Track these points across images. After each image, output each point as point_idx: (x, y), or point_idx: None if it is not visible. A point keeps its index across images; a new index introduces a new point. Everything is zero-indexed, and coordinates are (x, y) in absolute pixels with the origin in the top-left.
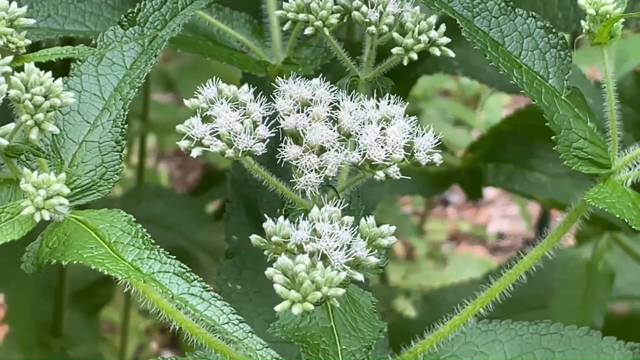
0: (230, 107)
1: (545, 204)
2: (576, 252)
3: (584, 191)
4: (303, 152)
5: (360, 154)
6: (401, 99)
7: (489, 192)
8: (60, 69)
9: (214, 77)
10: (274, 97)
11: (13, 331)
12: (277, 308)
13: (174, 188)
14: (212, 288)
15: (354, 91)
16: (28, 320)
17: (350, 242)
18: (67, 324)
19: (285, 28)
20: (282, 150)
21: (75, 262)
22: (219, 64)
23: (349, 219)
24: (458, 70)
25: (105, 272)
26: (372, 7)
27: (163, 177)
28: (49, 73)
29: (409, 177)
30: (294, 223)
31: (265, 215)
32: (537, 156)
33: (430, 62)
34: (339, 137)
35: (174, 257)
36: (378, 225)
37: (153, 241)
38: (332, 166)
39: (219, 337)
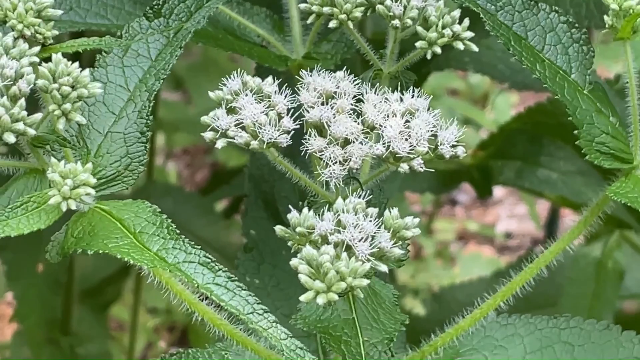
0: (255, 100)
1: (556, 201)
2: (586, 251)
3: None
4: (327, 144)
5: (384, 147)
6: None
7: (497, 192)
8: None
9: (238, 70)
10: (293, 91)
11: (22, 328)
12: (302, 298)
13: (183, 186)
14: (236, 278)
15: (377, 84)
16: (37, 317)
17: (375, 233)
18: (76, 322)
19: (309, 21)
20: (306, 142)
21: (100, 251)
22: (227, 62)
23: (374, 211)
24: (469, 66)
25: (131, 262)
26: (396, 1)
27: (171, 175)
28: (76, 64)
29: (432, 170)
30: (317, 215)
31: (290, 206)
32: (547, 154)
33: (442, 57)
34: (363, 129)
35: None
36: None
37: (178, 231)
38: (356, 158)
39: (240, 329)
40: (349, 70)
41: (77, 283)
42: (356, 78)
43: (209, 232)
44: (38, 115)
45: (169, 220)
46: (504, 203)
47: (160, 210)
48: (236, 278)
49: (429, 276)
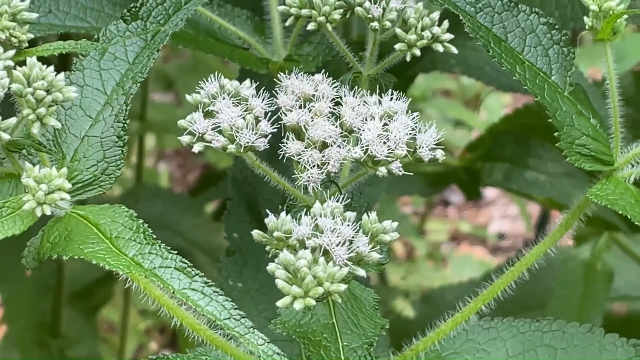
0: (232, 103)
1: (544, 203)
2: (575, 252)
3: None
4: (305, 147)
5: (362, 150)
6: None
7: (490, 193)
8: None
9: (216, 73)
10: (274, 94)
11: (11, 331)
12: (279, 303)
13: (174, 188)
14: (213, 283)
15: (356, 87)
16: (26, 320)
17: (353, 237)
18: (66, 324)
19: (287, 24)
20: (283, 146)
21: (76, 257)
22: (218, 64)
23: (351, 215)
24: (455, 68)
25: (107, 268)
26: (375, 3)
27: (163, 176)
28: (51, 67)
29: (411, 174)
30: (295, 219)
31: (267, 210)
32: (535, 155)
33: (427, 60)
34: (341, 132)
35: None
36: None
37: (154, 236)
38: (334, 162)
39: (220, 334)
40: (332, 73)
41: (66, 285)
42: (335, 80)
43: (198, 234)
44: (12, 120)
45: (145, 225)
46: (496, 204)
47: (137, 215)
48: (213, 283)
49: (420, 277)
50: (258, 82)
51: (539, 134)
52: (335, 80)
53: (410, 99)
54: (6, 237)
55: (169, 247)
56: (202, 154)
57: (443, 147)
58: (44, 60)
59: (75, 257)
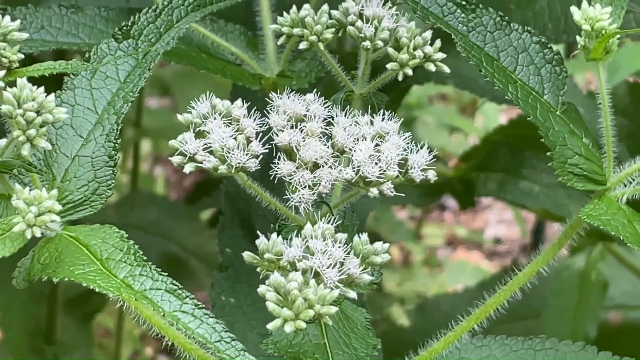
0: (224, 122)
1: (538, 213)
2: (569, 262)
3: (577, 202)
4: (297, 168)
5: (354, 171)
6: (393, 108)
7: (486, 198)
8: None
9: (207, 92)
10: (267, 111)
11: (6, 338)
12: (270, 326)
13: (170, 192)
14: (204, 305)
15: (348, 106)
16: (21, 326)
17: (344, 259)
18: (61, 331)
19: (279, 42)
20: (275, 167)
21: (66, 279)
22: None
23: (342, 236)
24: (449, 81)
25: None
26: (367, 22)
27: (159, 181)
28: (42, 88)
29: (403, 195)
30: (287, 239)
31: (259, 232)
32: (529, 166)
33: (421, 72)
34: (332, 153)
35: (166, 272)
36: (372, 241)
37: (145, 258)
38: (325, 182)
39: (211, 353)
40: (325, 88)
41: (61, 292)
42: (327, 100)
43: (193, 241)
44: (2, 141)
45: (136, 247)
46: (492, 208)
47: (127, 236)
48: (203, 306)
49: (416, 284)
50: (251, 99)
51: (533, 144)
52: (327, 100)
53: (402, 119)
54: None
55: (163, 256)
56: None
57: (436, 158)
58: (37, 79)
59: (66, 279)
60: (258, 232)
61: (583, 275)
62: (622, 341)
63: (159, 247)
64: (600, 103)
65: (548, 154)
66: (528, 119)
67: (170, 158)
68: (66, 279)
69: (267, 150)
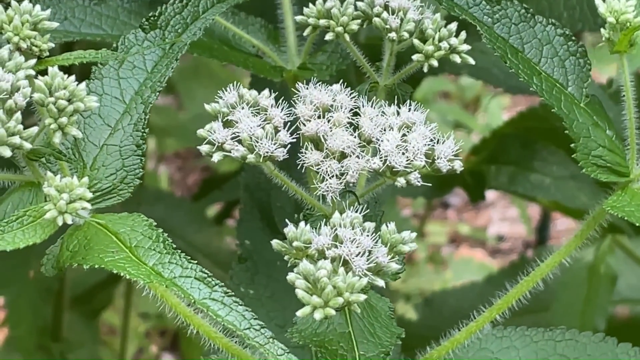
0: (251, 112)
1: (548, 206)
2: (578, 255)
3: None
4: (324, 157)
5: (381, 161)
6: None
7: (489, 195)
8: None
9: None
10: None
11: (13, 335)
12: (299, 313)
13: (174, 190)
14: (233, 293)
15: (374, 97)
16: (28, 324)
17: (372, 248)
18: (67, 328)
19: (305, 33)
20: (302, 155)
21: (96, 266)
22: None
23: (370, 225)
24: (463, 70)
25: (127, 277)
26: (392, 14)
27: (163, 179)
28: (73, 77)
29: (430, 184)
30: (314, 228)
31: (287, 220)
32: (540, 158)
33: None
34: (359, 143)
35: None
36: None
37: (174, 246)
38: (353, 172)
39: (236, 342)
40: (342, 79)
41: (68, 289)
42: (352, 91)
43: (200, 238)
44: (34, 129)
45: (165, 235)
46: (495, 206)
47: (156, 224)
48: (232, 293)
49: (420, 281)
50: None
51: (543, 137)
52: (352, 90)
53: (426, 101)
54: None
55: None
56: (202, 157)
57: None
58: (66, 69)
59: (96, 266)
60: (279, 223)
61: (592, 268)
62: (629, 335)
63: None
64: (624, 95)
65: (572, 145)
66: (552, 110)
67: (198, 147)
68: (94, 266)
69: (294, 140)
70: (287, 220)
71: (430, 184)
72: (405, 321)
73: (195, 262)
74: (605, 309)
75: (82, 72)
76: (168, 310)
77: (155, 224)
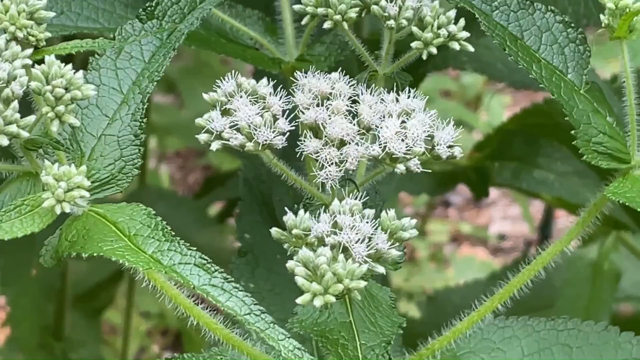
0: (250, 101)
1: (552, 202)
2: (582, 252)
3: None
4: (323, 145)
5: (380, 147)
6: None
7: (491, 193)
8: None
9: (232, 71)
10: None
11: (15, 334)
12: (299, 300)
13: (175, 189)
14: (232, 279)
15: (373, 85)
16: (30, 322)
17: (372, 235)
18: (69, 327)
19: (303, 22)
20: (301, 144)
21: (95, 254)
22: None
23: (370, 212)
24: (467, 65)
25: (125, 265)
26: (391, 1)
27: (164, 178)
28: (70, 65)
29: (429, 170)
30: (313, 217)
31: (286, 208)
32: (544, 154)
33: (439, 57)
34: (358, 130)
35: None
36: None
37: (173, 233)
38: (352, 159)
39: (236, 333)
40: (344, 72)
41: (70, 288)
42: (352, 79)
43: (202, 237)
44: (31, 118)
45: (164, 223)
46: (497, 204)
47: (154, 212)
48: (232, 279)
49: (422, 279)
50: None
51: (547, 133)
52: (351, 79)
53: (427, 97)
54: (11, 240)
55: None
56: (203, 156)
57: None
58: (65, 61)
59: (95, 254)
60: (279, 216)
61: (596, 265)
62: (633, 332)
63: None
64: (624, 82)
65: (572, 132)
66: (552, 97)
67: (196, 136)
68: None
69: (293, 128)
70: (286, 209)
71: (433, 180)
72: (408, 319)
73: (195, 248)
74: (609, 306)
75: (83, 67)
76: (168, 301)
77: (154, 212)
